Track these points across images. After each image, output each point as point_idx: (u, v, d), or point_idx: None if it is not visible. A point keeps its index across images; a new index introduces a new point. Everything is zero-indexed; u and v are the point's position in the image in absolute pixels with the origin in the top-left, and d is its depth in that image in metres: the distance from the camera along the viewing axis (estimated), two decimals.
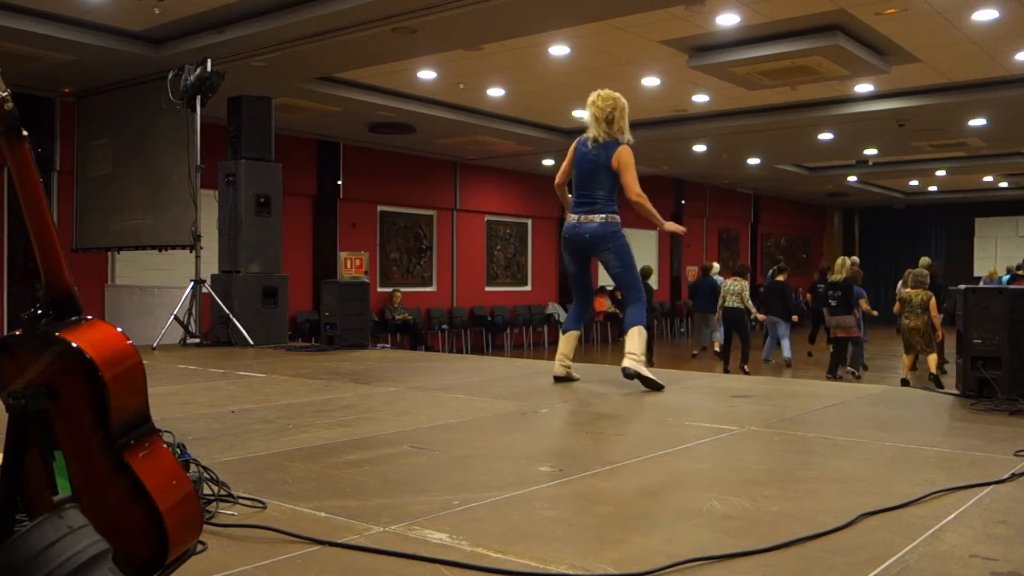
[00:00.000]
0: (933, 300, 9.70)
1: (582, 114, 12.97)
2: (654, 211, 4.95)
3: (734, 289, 12.16)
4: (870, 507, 2.29)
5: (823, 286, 13.44)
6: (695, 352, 14.83)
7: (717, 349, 14.12)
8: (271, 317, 8.01)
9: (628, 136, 4.94)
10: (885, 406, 4.39)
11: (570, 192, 5.08)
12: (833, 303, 11.16)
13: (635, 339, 4.78)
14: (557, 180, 5.19)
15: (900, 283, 16.64)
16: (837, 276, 11.28)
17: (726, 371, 11.73)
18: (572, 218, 4.93)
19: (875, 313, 12.61)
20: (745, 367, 12.02)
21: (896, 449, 3.16)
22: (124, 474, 1.49)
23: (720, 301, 12.41)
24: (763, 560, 1.92)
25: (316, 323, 11.14)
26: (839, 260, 11.64)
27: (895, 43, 9.13)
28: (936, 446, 3.25)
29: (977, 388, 4.27)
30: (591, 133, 4.90)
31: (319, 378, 5.33)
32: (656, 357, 13.35)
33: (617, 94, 4.94)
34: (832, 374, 10.98)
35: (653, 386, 4.71)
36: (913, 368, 10.12)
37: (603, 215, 4.86)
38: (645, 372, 4.73)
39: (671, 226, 5.15)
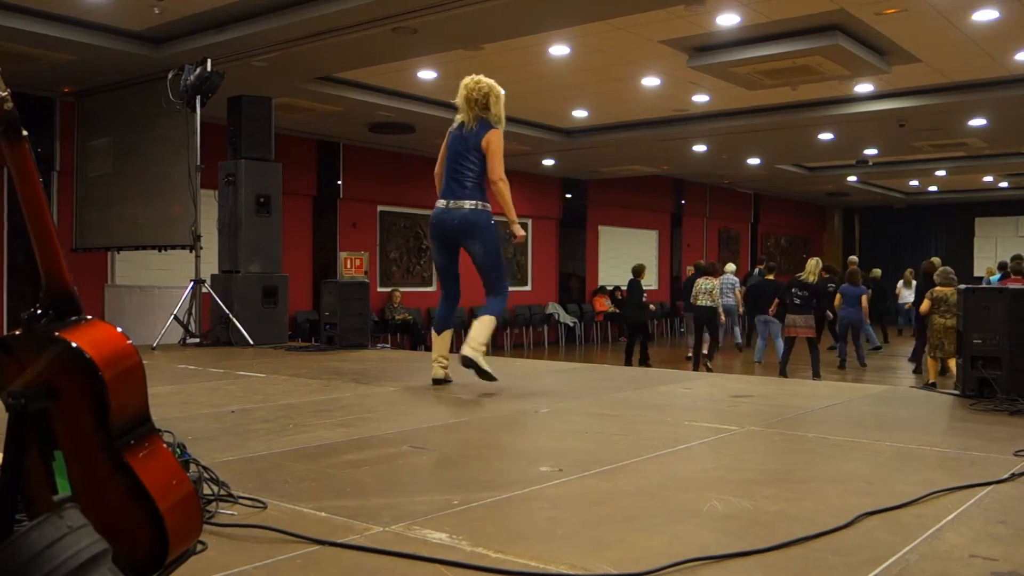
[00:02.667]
0: None
1: (583, 113, 13.07)
2: (510, 203, 4.73)
3: (706, 288, 12.30)
4: (870, 507, 2.29)
5: (832, 285, 13.48)
6: (690, 354, 14.86)
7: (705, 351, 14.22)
8: (271, 317, 8.01)
9: (502, 124, 4.80)
10: (885, 406, 4.39)
11: None
12: (797, 301, 11.28)
13: (482, 328, 4.66)
14: (436, 169, 4.99)
15: (901, 282, 16.66)
16: (809, 277, 11.39)
17: (695, 369, 11.85)
18: (440, 203, 4.78)
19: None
20: (709, 364, 12.16)
21: (896, 449, 3.16)
22: (124, 474, 1.49)
23: (692, 300, 12.57)
24: (763, 560, 1.92)
25: (316, 323, 11.14)
26: (811, 261, 11.73)
27: (895, 43, 9.13)
28: (936, 446, 3.25)
29: (977, 388, 4.28)
30: (460, 117, 4.79)
31: (319, 378, 5.33)
32: (652, 358, 13.34)
33: (492, 81, 4.83)
34: (782, 372, 11.12)
35: (487, 378, 4.60)
36: (942, 373, 9.93)
37: (473, 202, 4.70)
38: (483, 364, 4.58)
39: (518, 229, 4.82)
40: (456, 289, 5.02)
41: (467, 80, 4.84)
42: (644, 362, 12.65)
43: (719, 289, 12.54)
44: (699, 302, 12.32)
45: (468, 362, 4.58)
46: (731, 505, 2.36)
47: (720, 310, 12.58)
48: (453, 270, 4.97)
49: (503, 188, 4.69)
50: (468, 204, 4.70)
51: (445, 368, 4.90)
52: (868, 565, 1.88)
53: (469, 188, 4.72)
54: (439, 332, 4.97)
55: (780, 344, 12.68)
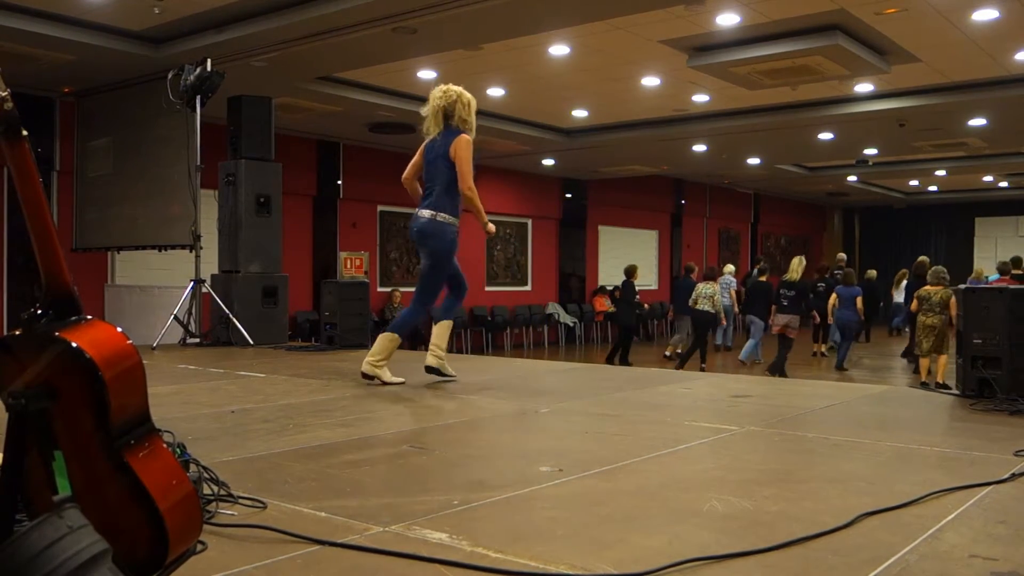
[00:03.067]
0: (955, 299, 9.59)
1: (583, 113, 13.07)
2: (480, 208, 4.83)
3: (706, 292, 12.27)
4: (870, 507, 2.29)
5: (823, 285, 13.48)
6: (668, 353, 14.84)
7: (668, 353, 14.16)
8: (271, 317, 8.01)
9: (472, 130, 4.84)
10: (885, 406, 4.39)
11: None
12: (785, 302, 11.33)
13: (382, 344, 4.86)
14: (404, 174, 5.05)
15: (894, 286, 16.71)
16: (792, 276, 11.42)
17: (679, 368, 11.80)
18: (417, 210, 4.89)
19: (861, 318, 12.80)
20: (672, 359, 12.16)
21: (896, 449, 3.16)
22: (124, 474, 1.49)
23: (691, 304, 12.51)
24: (763, 560, 1.92)
25: (316, 323, 11.14)
26: (794, 260, 11.75)
27: (895, 43, 9.13)
28: (936, 446, 3.25)
29: (977, 388, 4.28)
30: (431, 131, 4.84)
31: (319, 378, 5.33)
32: (651, 358, 13.34)
33: (461, 88, 4.86)
34: (780, 371, 11.09)
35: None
36: (916, 371, 9.95)
37: (433, 211, 4.74)
38: (390, 378, 4.87)
39: (490, 227, 4.99)
40: (457, 282, 5.06)
41: (434, 90, 4.89)
42: (623, 361, 12.65)
43: (720, 294, 12.48)
44: (699, 306, 12.25)
45: (369, 378, 4.87)
46: (731, 505, 2.36)
47: (721, 315, 12.51)
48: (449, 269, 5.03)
49: (472, 197, 4.76)
50: (427, 213, 4.76)
51: (440, 358, 4.97)
52: (868, 565, 1.88)
53: (434, 197, 4.77)
54: (436, 321, 5.05)
55: (751, 344, 12.62)
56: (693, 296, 12.42)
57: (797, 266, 11.58)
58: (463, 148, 4.71)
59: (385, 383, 4.83)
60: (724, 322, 13.10)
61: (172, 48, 8.89)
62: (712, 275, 12.96)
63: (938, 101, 11.40)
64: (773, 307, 11.65)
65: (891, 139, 14.50)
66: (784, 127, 13.23)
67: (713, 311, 12.23)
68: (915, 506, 2.35)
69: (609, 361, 12.51)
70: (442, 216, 4.74)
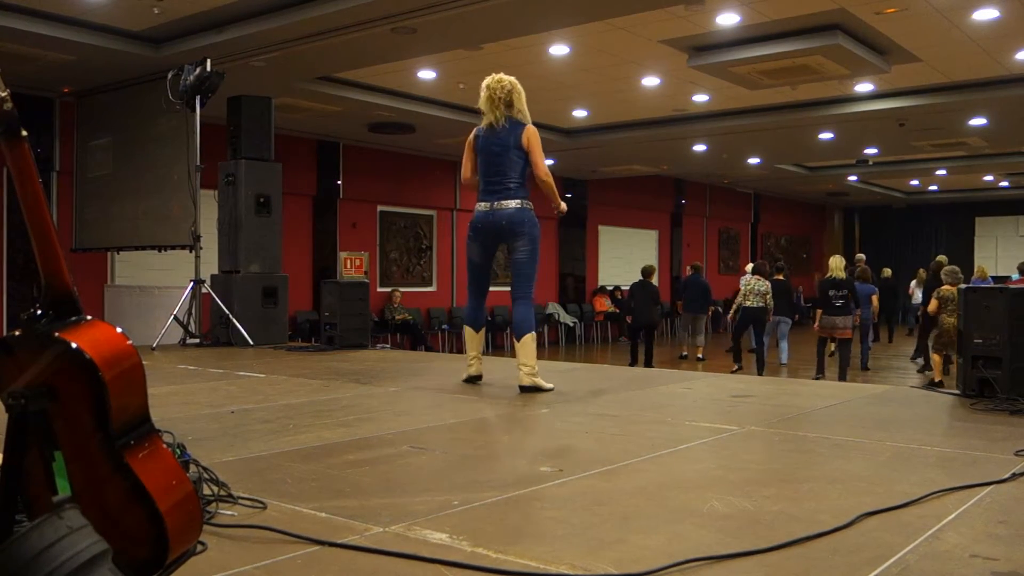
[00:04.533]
0: None
1: (583, 113, 13.06)
2: (556, 190, 4.91)
3: (759, 289, 11.66)
4: (870, 507, 2.29)
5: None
6: (685, 353, 14.79)
7: (701, 355, 14.03)
8: (271, 317, 8.01)
9: (528, 118, 4.87)
10: (885, 406, 4.38)
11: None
12: (839, 304, 10.80)
13: (528, 350, 4.70)
14: (465, 176, 4.95)
15: (914, 282, 16.59)
16: (838, 275, 10.95)
17: (739, 369, 11.54)
18: (483, 206, 4.77)
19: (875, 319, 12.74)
20: (701, 359, 11.93)
21: (896, 449, 3.16)
22: (124, 474, 1.49)
23: (739, 300, 12.00)
24: (763, 560, 1.92)
25: (316, 323, 11.14)
26: (835, 259, 11.25)
27: (895, 43, 9.13)
28: (936, 446, 3.25)
29: (977, 388, 4.28)
30: (488, 118, 4.79)
31: (319, 378, 5.33)
32: (655, 356, 13.33)
33: (512, 78, 4.87)
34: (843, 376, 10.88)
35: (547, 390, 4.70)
36: (945, 372, 9.85)
37: (519, 200, 4.74)
38: (546, 385, 4.69)
39: (563, 205, 5.06)
40: (487, 286, 5.09)
41: (488, 80, 4.87)
42: (648, 363, 12.57)
43: (771, 291, 11.81)
44: (748, 303, 11.70)
45: (530, 390, 4.67)
46: (731, 505, 2.36)
47: (770, 310, 11.99)
48: (487, 269, 5.04)
49: (550, 182, 4.83)
50: (513, 203, 4.74)
51: (481, 362, 5.03)
52: (868, 565, 1.88)
53: (513, 188, 4.75)
54: (477, 330, 5.05)
55: (785, 346, 12.54)
56: (743, 291, 11.87)
57: (840, 264, 11.09)
58: (535, 137, 4.79)
59: (544, 389, 4.70)
60: (771, 318, 12.48)
61: (172, 48, 8.90)
62: (763, 271, 12.22)
63: (938, 101, 11.40)
64: (819, 311, 11.07)
65: (891, 139, 14.50)
66: (784, 127, 13.23)
67: (764, 306, 11.68)
68: (915, 506, 2.35)
69: (648, 365, 12.30)
70: (527, 203, 4.78)
